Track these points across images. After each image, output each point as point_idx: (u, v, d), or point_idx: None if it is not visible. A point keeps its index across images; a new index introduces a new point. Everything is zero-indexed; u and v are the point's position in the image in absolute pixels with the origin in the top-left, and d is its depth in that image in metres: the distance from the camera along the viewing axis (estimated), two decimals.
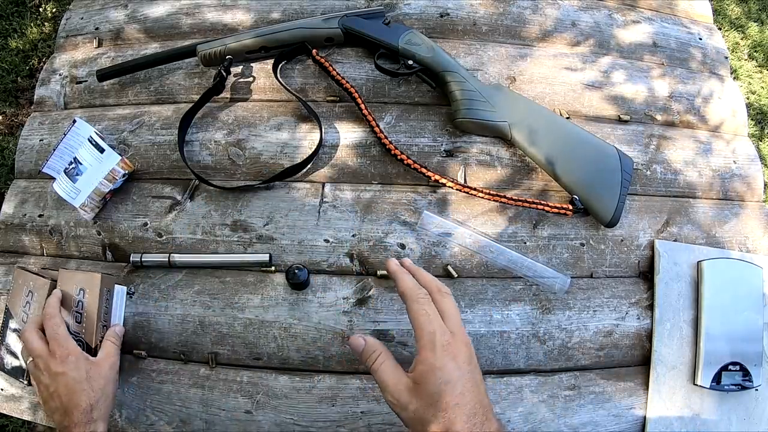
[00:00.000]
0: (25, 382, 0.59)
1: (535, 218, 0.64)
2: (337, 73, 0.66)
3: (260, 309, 0.60)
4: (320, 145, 0.65)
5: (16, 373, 0.59)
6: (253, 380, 0.59)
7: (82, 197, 0.62)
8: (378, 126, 0.64)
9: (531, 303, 0.62)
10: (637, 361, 0.62)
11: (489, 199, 0.62)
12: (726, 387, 0.60)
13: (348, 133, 0.67)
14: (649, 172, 0.68)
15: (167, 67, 0.71)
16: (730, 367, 0.60)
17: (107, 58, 0.73)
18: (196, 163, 0.66)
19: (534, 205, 0.62)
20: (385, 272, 0.61)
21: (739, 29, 1.78)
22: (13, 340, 0.60)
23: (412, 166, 0.63)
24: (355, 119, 0.67)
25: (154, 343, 0.61)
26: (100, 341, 0.57)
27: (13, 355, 0.59)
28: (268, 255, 0.60)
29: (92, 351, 0.56)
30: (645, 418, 0.60)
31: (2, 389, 0.62)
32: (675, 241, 0.66)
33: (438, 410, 0.38)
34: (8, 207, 0.69)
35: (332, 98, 0.68)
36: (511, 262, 0.61)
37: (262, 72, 0.70)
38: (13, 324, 0.60)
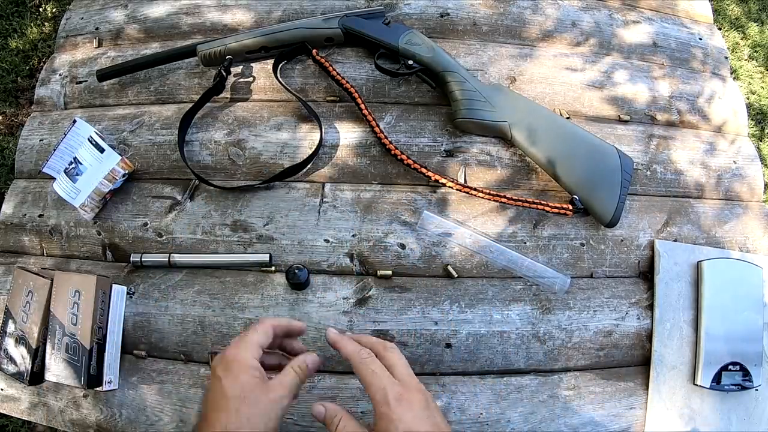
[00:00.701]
0: (26, 382, 0.59)
1: (535, 218, 0.64)
2: (337, 73, 0.66)
3: (260, 309, 0.60)
4: (320, 145, 0.65)
5: (16, 375, 0.59)
6: None
7: (82, 197, 0.62)
8: (378, 126, 0.64)
9: (531, 303, 0.62)
10: (637, 361, 0.62)
11: (489, 199, 0.62)
12: (726, 387, 0.60)
13: (348, 133, 0.67)
14: (649, 172, 0.68)
15: (167, 67, 0.71)
16: (730, 367, 0.60)
17: (107, 58, 0.73)
18: (196, 163, 0.66)
19: (534, 205, 0.62)
20: (386, 272, 0.61)
21: (739, 29, 1.78)
22: (12, 342, 0.59)
23: (412, 166, 0.63)
24: (355, 119, 0.67)
25: (154, 343, 0.61)
26: (96, 342, 0.57)
27: (13, 358, 0.59)
28: (268, 255, 0.60)
29: (88, 354, 0.56)
30: (645, 418, 0.60)
31: (2, 389, 0.62)
32: (675, 241, 0.66)
33: None
34: (8, 207, 0.69)
35: (332, 98, 0.68)
36: (511, 262, 0.61)
37: (262, 72, 0.70)
38: (10, 328, 0.60)
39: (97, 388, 0.58)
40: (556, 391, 0.60)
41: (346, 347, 0.45)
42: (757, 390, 0.61)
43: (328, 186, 0.65)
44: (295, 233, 0.63)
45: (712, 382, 0.60)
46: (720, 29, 1.52)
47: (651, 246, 0.65)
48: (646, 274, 0.65)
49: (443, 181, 0.62)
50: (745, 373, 0.60)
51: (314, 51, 0.67)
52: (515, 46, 0.73)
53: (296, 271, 0.59)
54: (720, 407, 0.61)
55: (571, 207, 0.61)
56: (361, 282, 0.61)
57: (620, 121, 0.70)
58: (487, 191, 0.62)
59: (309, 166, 0.65)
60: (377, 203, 0.64)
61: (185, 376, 0.59)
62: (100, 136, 0.64)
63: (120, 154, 0.64)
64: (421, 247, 0.63)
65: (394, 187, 0.65)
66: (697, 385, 0.60)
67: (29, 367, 0.58)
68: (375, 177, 0.65)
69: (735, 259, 0.64)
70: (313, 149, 0.64)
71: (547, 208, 0.62)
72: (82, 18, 0.78)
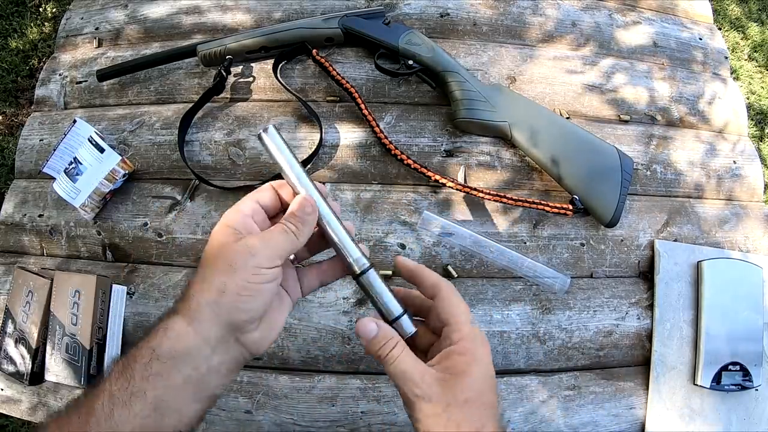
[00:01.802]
0: (26, 383, 0.59)
1: (535, 218, 0.64)
2: (337, 73, 0.66)
3: None
4: (320, 145, 0.65)
5: (16, 375, 0.59)
6: (253, 380, 0.59)
7: (82, 197, 0.62)
8: (378, 126, 0.64)
9: (531, 303, 0.62)
10: (637, 361, 0.62)
11: (489, 199, 0.62)
12: (726, 387, 0.60)
13: (348, 133, 0.67)
14: (649, 172, 0.68)
15: (167, 67, 0.71)
16: (730, 367, 0.60)
17: (107, 58, 0.73)
18: (196, 163, 0.66)
19: (534, 205, 0.62)
20: (386, 272, 0.61)
21: (739, 29, 1.78)
22: (12, 342, 0.59)
23: (413, 166, 0.63)
24: (355, 119, 0.67)
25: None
26: (96, 342, 0.57)
27: (13, 358, 0.59)
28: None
29: (88, 354, 0.56)
30: (645, 418, 0.60)
31: (2, 389, 0.62)
32: (675, 241, 0.66)
33: (475, 408, 0.33)
34: (8, 207, 0.69)
35: (332, 98, 0.68)
36: (511, 262, 0.61)
37: (262, 72, 0.70)
38: (9, 328, 0.60)
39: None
40: (556, 391, 0.60)
41: (433, 274, 0.38)
42: (757, 390, 0.61)
43: (328, 186, 0.65)
44: None
45: (712, 382, 0.60)
46: (720, 29, 1.52)
47: (651, 246, 0.65)
48: (646, 274, 0.65)
49: (443, 181, 0.62)
50: (745, 373, 0.60)
51: (314, 51, 0.67)
52: (515, 46, 0.73)
53: None
54: (720, 407, 0.61)
55: (571, 207, 0.61)
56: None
57: (620, 121, 0.70)
58: (487, 191, 0.62)
59: (309, 166, 0.65)
60: (377, 203, 0.64)
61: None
62: (100, 136, 0.64)
63: (120, 154, 0.64)
64: (421, 247, 0.63)
65: (394, 187, 0.65)
66: (697, 385, 0.60)
67: (29, 367, 0.58)
68: (375, 177, 0.65)
69: (735, 259, 0.64)
70: (313, 149, 0.64)
71: (547, 208, 0.62)
72: (82, 18, 0.78)
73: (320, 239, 0.37)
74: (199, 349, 0.31)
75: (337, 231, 0.36)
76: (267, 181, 0.64)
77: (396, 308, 0.36)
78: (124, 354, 0.32)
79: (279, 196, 0.37)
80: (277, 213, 0.37)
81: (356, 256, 0.36)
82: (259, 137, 0.36)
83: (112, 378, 0.30)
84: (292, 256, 0.37)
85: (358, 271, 0.36)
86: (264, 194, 0.36)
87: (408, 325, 0.36)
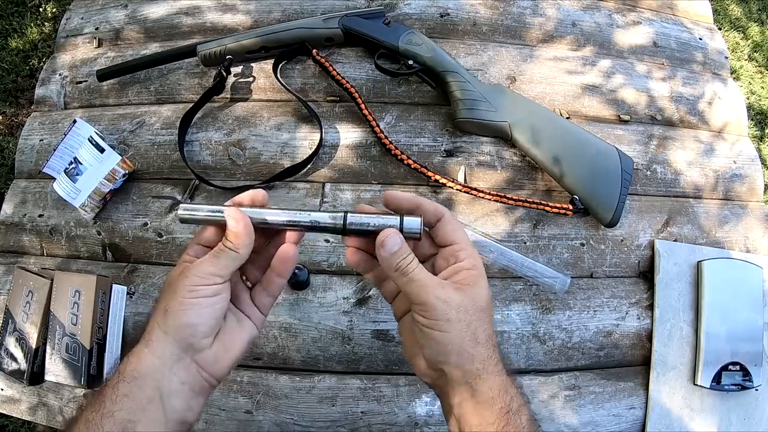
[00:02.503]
0: (26, 383, 0.59)
1: (536, 218, 0.64)
2: (338, 73, 0.66)
3: None
4: (320, 145, 0.65)
5: (16, 375, 0.59)
6: (254, 380, 0.59)
7: (82, 197, 0.62)
8: (378, 126, 0.64)
9: (531, 303, 0.62)
10: (637, 361, 0.62)
11: (489, 199, 0.62)
12: (726, 387, 0.60)
13: (348, 133, 0.67)
14: (649, 172, 0.68)
15: (167, 67, 0.71)
16: (730, 367, 0.60)
17: (107, 58, 0.73)
18: (196, 163, 0.66)
19: (534, 205, 0.62)
20: None
21: (740, 30, 1.78)
22: (12, 342, 0.59)
23: (413, 166, 0.63)
24: (355, 119, 0.67)
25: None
26: (96, 342, 0.57)
27: (13, 358, 0.59)
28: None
29: (88, 354, 0.56)
30: (645, 418, 0.60)
31: (2, 389, 0.62)
32: (675, 241, 0.66)
33: (486, 317, 0.35)
34: (8, 207, 0.69)
35: (332, 98, 0.68)
36: (512, 261, 0.61)
37: (262, 72, 0.70)
38: (9, 328, 0.60)
39: (98, 388, 0.58)
40: (556, 391, 0.60)
41: (430, 202, 0.38)
42: (757, 390, 0.61)
43: (328, 186, 0.65)
44: None
45: (712, 382, 0.60)
46: (720, 29, 1.52)
47: (651, 246, 0.65)
48: (646, 274, 0.65)
49: (443, 181, 0.62)
50: (745, 373, 0.60)
51: (314, 51, 0.67)
52: (515, 47, 0.73)
53: (296, 271, 0.59)
54: (720, 407, 0.61)
55: (571, 207, 0.61)
56: (361, 282, 0.61)
57: (620, 121, 0.70)
58: (487, 191, 0.62)
59: (309, 166, 0.65)
60: (377, 204, 0.64)
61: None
62: (100, 136, 0.64)
63: (120, 154, 0.64)
64: None
65: (394, 187, 0.65)
66: (697, 385, 0.60)
67: (29, 367, 0.58)
68: (375, 177, 0.65)
69: (735, 259, 0.64)
70: (313, 149, 0.64)
71: (547, 208, 0.62)
72: (82, 18, 0.78)
73: (262, 255, 0.39)
74: (156, 369, 0.33)
75: (287, 216, 0.36)
76: (267, 181, 0.64)
77: (393, 220, 0.36)
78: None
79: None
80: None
81: (324, 218, 0.36)
82: (181, 220, 0.36)
83: (88, 406, 0.32)
84: (248, 282, 0.39)
85: (342, 224, 0.36)
86: (203, 234, 0.37)
87: (416, 226, 0.36)
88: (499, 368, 0.35)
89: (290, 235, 0.38)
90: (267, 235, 0.39)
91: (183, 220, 0.36)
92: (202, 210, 0.36)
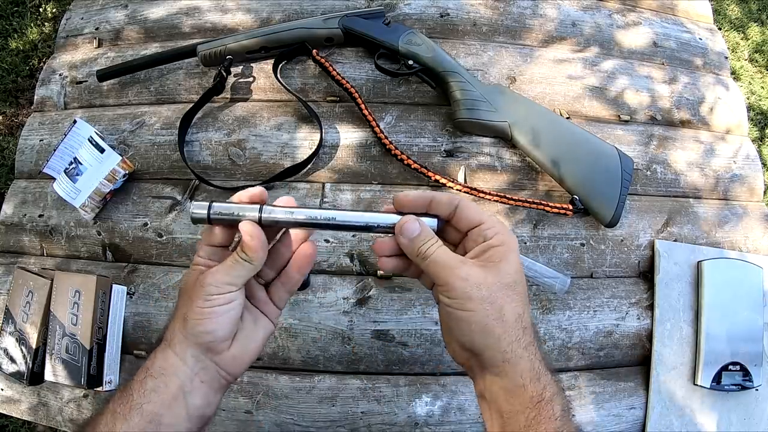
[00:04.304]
0: (26, 383, 0.59)
1: (536, 218, 0.64)
2: (338, 73, 0.66)
3: None
4: (320, 145, 0.65)
5: (16, 376, 0.59)
6: (254, 380, 0.59)
7: (82, 197, 0.62)
8: (378, 126, 0.64)
9: (531, 303, 0.62)
10: (637, 361, 0.62)
11: (489, 199, 0.62)
12: (726, 387, 0.60)
13: (348, 133, 0.67)
14: (649, 172, 0.68)
15: (167, 68, 0.71)
16: (730, 367, 0.60)
17: (107, 58, 0.73)
18: (196, 163, 0.66)
19: (534, 205, 0.62)
20: (385, 273, 0.61)
21: (740, 30, 1.78)
22: (12, 343, 0.59)
23: (413, 167, 0.63)
24: (356, 119, 0.67)
25: (155, 344, 0.61)
26: (96, 342, 0.57)
27: (13, 358, 0.59)
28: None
29: (88, 354, 0.56)
30: (645, 418, 0.60)
31: (2, 389, 0.62)
32: (675, 241, 0.66)
33: (515, 294, 0.34)
34: (8, 207, 0.69)
35: (332, 98, 0.68)
36: None
37: (262, 72, 0.70)
38: (9, 328, 0.60)
39: (98, 388, 0.58)
40: None
41: (444, 194, 0.38)
42: (757, 390, 0.61)
43: (328, 186, 0.65)
44: None
45: (712, 382, 0.60)
46: (720, 29, 1.52)
47: (651, 246, 0.65)
48: (646, 274, 0.65)
49: (443, 181, 0.62)
50: (745, 373, 0.60)
51: (314, 51, 0.67)
52: (515, 47, 0.73)
53: None
54: (720, 407, 0.61)
55: (571, 207, 0.61)
56: (361, 282, 0.61)
57: (620, 121, 0.70)
58: (488, 191, 0.62)
59: (309, 166, 0.65)
60: (377, 203, 0.64)
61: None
62: (100, 136, 0.64)
63: (120, 154, 0.64)
64: None
65: (394, 188, 0.65)
66: (697, 385, 0.60)
67: (29, 367, 0.58)
68: (375, 177, 0.65)
69: (735, 259, 0.64)
70: (313, 149, 0.64)
71: (547, 208, 0.62)
72: (82, 18, 0.78)
73: (278, 255, 0.39)
74: (180, 369, 0.35)
75: (311, 216, 0.37)
76: (267, 181, 0.64)
77: (403, 216, 0.36)
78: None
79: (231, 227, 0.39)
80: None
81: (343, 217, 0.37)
82: (192, 220, 0.37)
83: (115, 399, 0.34)
84: (261, 280, 0.40)
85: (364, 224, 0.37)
86: (211, 235, 0.38)
87: (432, 222, 0.37)
88: (531, 352, 0.34)
89: (302, 233, 0.39)
90: (273, 232, 0.39)
91: (196, 221, 0.36)
92: (224, 211, 0.36)
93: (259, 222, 0.36)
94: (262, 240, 0.36)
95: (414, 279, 0.40)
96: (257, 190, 0.37)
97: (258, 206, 0.36)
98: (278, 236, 0.40)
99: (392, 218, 0.37)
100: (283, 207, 0.37)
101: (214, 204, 0.36)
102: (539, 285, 0.61)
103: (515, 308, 0.34)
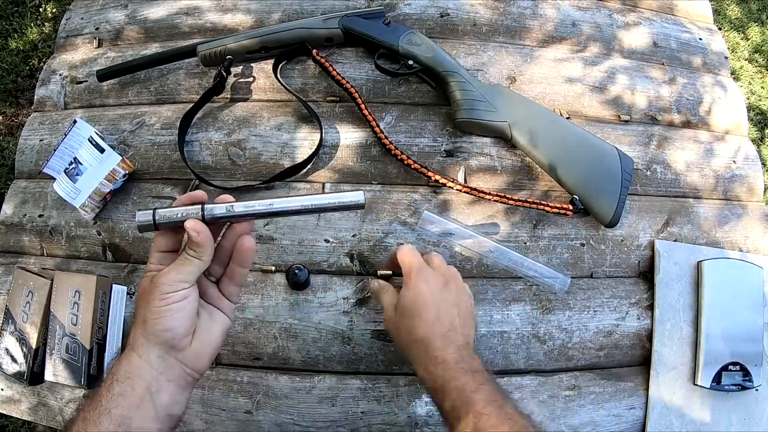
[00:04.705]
0: (26, 383, 0.59)
1: (536, 218, 0.64)
2: (338, 73, 0.66)
3: (260, 309, 0.60)
4: (320, 145, 0.65)
5: (16, 376, 0.59)
6: (254, 380, 0.59)
7: (82, 197, 0.62)
8: (378, 126, 0.64)
9: (531, 303, 0.62)
10: (637, 361, 0.62)
11: (489, 200, 0.62)
12: (726, 387, 0.60)
13: (348, 134, 0.67)
14: (649, 172, 0.68)
15: (167, 67, 0.71)
16: (730, 367, 0.60)
17: (107, 58, 0.73)
18: (196, 163, 0.66)
19: (534, 205, 0.62)
20: (386, 272, 0.61)
21: (740, 30, 1.78)
22: (12, 343, 0.59)
23: (413, 167, 0.63)
24: (356, 119, 0.67)
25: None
26: (96, 342, 0.57)
27: (13, 359, 0.59)
28: (362, 193, 0.42)
29: (88, 354, 0.56)
30: (645, 418, 0.60)
31: (2, 390, 0.62)
32: (675, 241, 0.66)
33: (414, 320, 0.48)
34: (8, 207, 0.69)
35: (332, 98, 0.68)
36: (512, 262, 0.61)
37: (262, 72, 0.70)
38: (9, 328, 0.60)
39: (93, 391, 0.58)
40: (556, 391, 0.60)
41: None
42: (757, 390, 0.61)
43: (328, 186, 0.65)
44: (295, 233, 0.63)
45: (712, 382, 0.60)
46: (720, 29, 1.52)
47: (651, 246, 0.65)
48: (646, 274, 0.65)
49: (443, 181, 0.62)
50: (745, 373, 0.60)
51: (314, 51, 0.67)
52: (515, 47, 0.73)
53: (296, 271, 0.59)
54: (720, 407, 0.61)
55: (571, 207, 0.61)
56: (361, 282, 0.61)
57: (620, 121, 0.70)
58: (488, 191, 0.62)
59: (309, 166, 0.65)
60: (377, 203, 0.64)
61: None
62: (100, 137, 0.64)
63: (120, 154, 0.64)
64: (421, 247, 0.63)
65: (394, 188, 0.65)
66: (697, 385, 0.60)
67: (29, 367, 0.58)
68: (375, 177, 0.65)
69: (735, 259, 0.64)
70: (313, 149, 0.64)
71: (547, 209, 0.62)
72: (82, 18, 0.78)
73: (223, 252, 0.42)
74: (145, 370, 0.37)
75: (249, 206, 0.40)
76: (267, 181, 0.64)
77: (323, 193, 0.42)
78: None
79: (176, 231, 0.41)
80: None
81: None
82: (139, 229, 0.39)
83: (85, 406, 0.36)
84: (212, 277, 0.43)
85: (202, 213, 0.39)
86: (160, 241, 0.40)
87: None
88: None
89: (242, 227, 0.41)
90: (218, 229, 0.41)
91: (143, 229, 0.39)
92: (168, 214, 0.38)
93: (203, 219, 0.38)
94: (208, 236, 0.38)
95: None
96: (197, 192, 0.41)
97: (200, 206, 0.39)
98: (222, 232, 0.42)
99: (324, 198, 0.40)
100: (223, 204, 0.39)
101: (158, 210, 0.38)
102: (539, 285, 0.61)
103: (421, 330, 0.49)
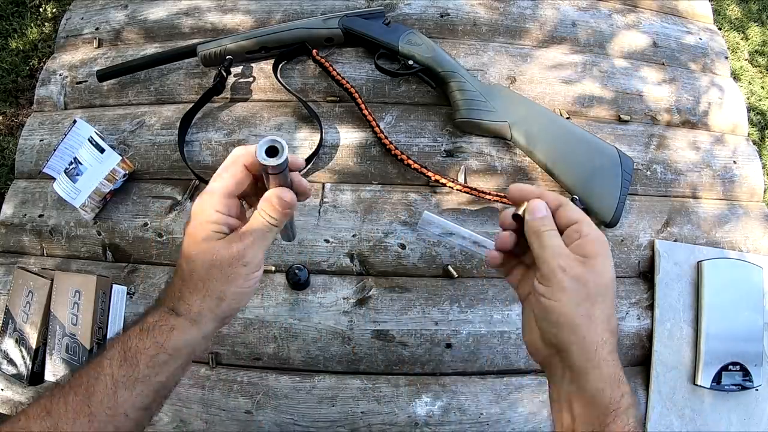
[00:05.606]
0: (26, 383, 0.59)
1: None
2: (338, 73, 0.66)
3: (260, 309, 0.60)
4: (320, 145, 0.65)
5: (15, 377, 0.59)
6: (254, 380, 0.59)
7: (82, 197, 0.62)
8: (378, 126, 0.64)
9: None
10: (637, 361, 0.62)
11: (489, 199, 0.62)
12: (726, 387, 0.60)
13: (348, 134, 0.67)
14: (649, 172, 0.68)
15: (167, 68, 0.71)
16: (730, 367, 0.60)
17: (107, 58, 0.73)
18: (196, 163, 0.66)
19: None
20: (386, 271, 0.61)
21: (740, 30, 1.78)
22: (12, 343, 0.59)
23: (413, 167, 0.63)
24: (356, 119, 0.67)
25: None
26: (96, 342, 0.57)
27: (12, 360, 0.59)
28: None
29: (88, 354, 0.56)
30: (645, 418, 0.60)
31: (1, 390, 0.62)
32: (675, 241, 0.66)
33: (608, 297, 0.35)
34: (8, 207, 0.69)
35: (332, 98, 0.68)
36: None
37: (262, 72, 0.70)
38: (9, 329, 0.60)
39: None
40: None
41: (551, 193, 0.40)
42: (757, 390, 0.61)
43: (328, 186, 0.65)
44: None
45: (712, 382, 0.60)
46: (720, 29, 1.52)
47: (651, 246, 0.65)
48: (646, 274, 0.65)
49: (443, 181, 0.62)
50: (745, 373, 0.60)
51: (314, 51, 0.67)
52: (515, 47, 0.73)
53: (296, 271, 0.59)
54: (720, 407, 0.61)
55: None
56: (361, 282, 0.61)
57: (620, 121, 0.70)
58: (488, 191, 0.62)
59: (309, 166, 0.65)
60: (377, 203, 0.64)
61: (185, 377, 0.59)
62: (100, 137, 0.64)
63: (120, 154, 0.64)
64: (421, 247, 0.63)
65: (394, 188, 0.65)
66: (697, 385, 0.60)
67: (29, 368, 0.58)
68: (375, 177, 0.65)
69: (735, 259, 0.64)
70: (313, 149, 0.64)
71: None
72: (82, 18, 0.78)
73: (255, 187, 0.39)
74: (199, 342, 0.36)
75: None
76: None
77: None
78: (117, 342, 0.35)
79: (248, 169, 0.37)
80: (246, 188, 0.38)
81: None
82: (264, 157, 0.33)
83: (114, 365, 0.34)
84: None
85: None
86: (231, 179, 0.36)
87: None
88: (613, 358, 0.34)
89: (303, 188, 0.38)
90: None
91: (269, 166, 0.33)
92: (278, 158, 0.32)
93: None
94: (294, 209, 0.36)
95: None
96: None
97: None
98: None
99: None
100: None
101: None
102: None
103: (604, 310, 0.34)
